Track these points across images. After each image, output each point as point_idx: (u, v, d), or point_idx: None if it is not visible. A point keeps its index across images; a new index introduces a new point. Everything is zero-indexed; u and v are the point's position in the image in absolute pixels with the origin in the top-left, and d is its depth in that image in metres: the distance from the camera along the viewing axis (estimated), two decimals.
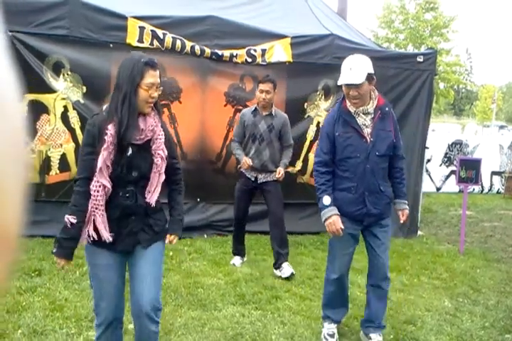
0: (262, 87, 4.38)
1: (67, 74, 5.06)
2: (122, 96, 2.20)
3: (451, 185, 10.06)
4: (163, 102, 5.47)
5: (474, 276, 4.75)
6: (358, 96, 2.94)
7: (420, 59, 6.26)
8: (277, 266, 4.40)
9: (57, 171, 5.05)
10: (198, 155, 5.57)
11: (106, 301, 2.32)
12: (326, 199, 2.99)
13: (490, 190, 11.03)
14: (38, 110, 4.99)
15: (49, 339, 2.96)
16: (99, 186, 2.18)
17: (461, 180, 5.76)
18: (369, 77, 2.94)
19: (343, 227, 2.96)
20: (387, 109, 3.07)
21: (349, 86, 2.92)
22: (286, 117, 4.57)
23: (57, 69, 5.01)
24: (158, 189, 2.32)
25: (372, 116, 3.02)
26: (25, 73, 4.83)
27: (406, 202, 3.21)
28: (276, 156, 4.51)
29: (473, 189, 10.08)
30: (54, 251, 2.23)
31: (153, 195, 2.30)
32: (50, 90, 5.02)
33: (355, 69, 2.91)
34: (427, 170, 8.52)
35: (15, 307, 3.33)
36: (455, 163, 10.49)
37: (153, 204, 2.31)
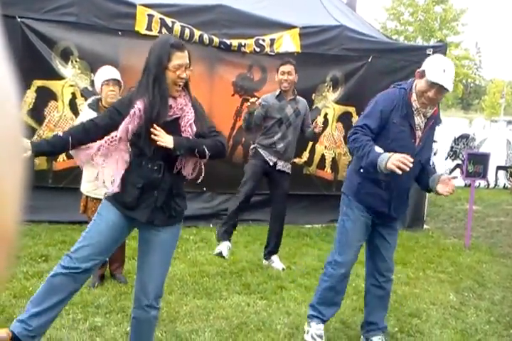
0: (283, 68, 4.27)
1: (76, 61, 5.04)
2: (152, 78, 2.24)
3: (457, 179, 10.00)
4: None
5: (480, 271, 4.74)
6: (435, 101, 2.74)
7: (430, 52, 6.18)
8: (267, 257, 4.47)
9: (65, 158, 5.05)
10: None
11: (89, 248, 2.29)
12: (378, 149, 2.62)
13: (496, 184, 10.98)
14: (46, 97, 4.99)
15: (55, 324, 2.97)
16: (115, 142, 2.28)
17: (468, 175, 5.71)
18: None
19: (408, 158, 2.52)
20: (437, 121, 2.96)
21: (439, 87, 2.64)
22: (306, 102, 4.52)
23: (65, 56, 5.00)
24: (191, 163, 2.36)
25: (426, 121, 2.84)
26: (34, 59, 4.83)
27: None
28: (295, 143, 4.44)
29: (479, 183, 10.03)
30: None
31: (186, 169, 2.34)
32: (59, 77, 5.00)
33: (449, 74, 2.64)
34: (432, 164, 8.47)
35: (22, 292, 3.35)
36: (461, 156, 10.44)
37: (188, 176, 2.37)
